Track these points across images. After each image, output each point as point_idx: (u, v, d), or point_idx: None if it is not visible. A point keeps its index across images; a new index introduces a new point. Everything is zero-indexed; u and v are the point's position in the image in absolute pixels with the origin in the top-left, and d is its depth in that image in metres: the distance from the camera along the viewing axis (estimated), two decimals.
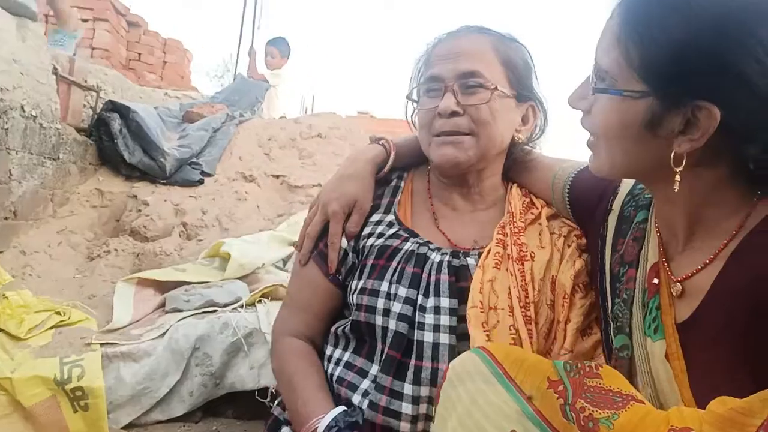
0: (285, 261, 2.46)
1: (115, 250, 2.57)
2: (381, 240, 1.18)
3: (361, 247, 1.20)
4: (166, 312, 2.07)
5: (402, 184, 1.29)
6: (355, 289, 1.15)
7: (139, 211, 2.80)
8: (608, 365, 0.97)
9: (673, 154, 0.81)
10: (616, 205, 1.07)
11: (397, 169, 1.31)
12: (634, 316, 0.94)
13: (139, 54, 7.96)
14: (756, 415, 0.65)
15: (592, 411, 0.77)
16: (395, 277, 1.11)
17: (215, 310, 2.03)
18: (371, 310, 1.11)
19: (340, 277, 1.22)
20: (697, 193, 0.86)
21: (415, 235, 1.19)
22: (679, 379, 0.85)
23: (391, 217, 1.23)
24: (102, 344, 1.86)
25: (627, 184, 1.09)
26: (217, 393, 1.96)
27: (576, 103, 0.93)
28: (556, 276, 1.12)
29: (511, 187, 1.28)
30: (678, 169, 0.81)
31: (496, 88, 1.15)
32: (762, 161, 0.82)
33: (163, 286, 2.21)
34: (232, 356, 1.96)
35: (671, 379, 0.86)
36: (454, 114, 1.15)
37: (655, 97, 0.80)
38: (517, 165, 1.29)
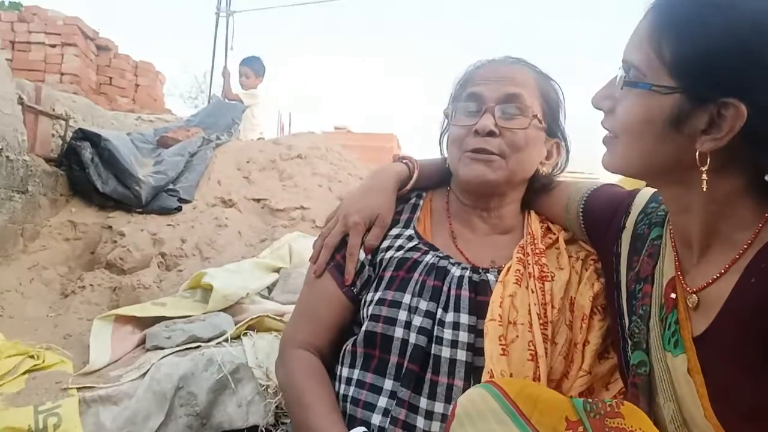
0: (270, 289, 2.40)
1: (91, 285, 2.47)
2: (401, 252, 1.19)
3: (379, 260, 1.20)
4: (147, 350, 1.99)
5: (421, 203, 1.31)
6: (372, 301, 1.15)
7: (115, 242, 2.71)
8: (625, 384, 0.97)
9: (697, 153, 0.81)
10: (629, 223, 1.07)
11: (417, 189, 1.33)
12: (651, 331, 0.94)
13: (110, 78, 7.85)
14: None
15: None
16: (417, 290, 1.12)
17: (199, 346, 1.95)
18: (391, 321, 1.10)
19: (354, 290, 1.21)
20: (714, 201, 0.85)
21: (435, 249, 1.20)
22: (700, 393, 0.84)
23: (410, 232, 1.24)
24: (79, 388, 1.78)
25: (639, 202, 1.09)
26: None
27: (600, 103, 0.93)
28: (575, 297, 1.12)
29: (529, 213, 1.30)
30: (704, 168, 0.81)
31: (535, 116, 1.19)
32: None
33: (142, 323, 2.12)
34: (218, 394, 1.88)
35: (694, 393, 0.84)
36: (490, 134, 1.17)
37: (684, 94, 0.80)
38: (536, 194, 1.31)
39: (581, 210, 1.18)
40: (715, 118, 0.79)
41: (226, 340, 1.98)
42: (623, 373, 1.02)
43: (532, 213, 1.30)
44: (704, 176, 0.82)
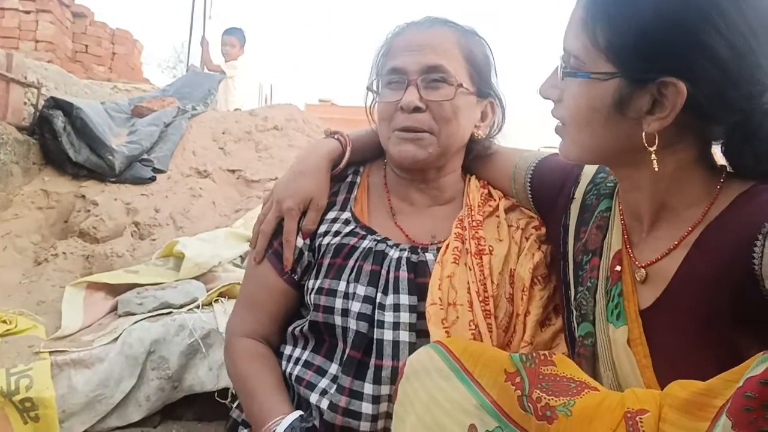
0: (243, 258, 2.42)
1: (64, 253, 2.47)
2: (337, 238, 1.16)
3: (317, 245, 1.18)
4: (119, 316, 2.02)
5: (358, 180, 1.27)
6: (312, 289, 1.13)
7: (88, 211, 2.71)
8: (571, 354, 0.99)
9: (644, 134, 0.82)
10: (578, 194, 1.08)
11: (353, 164, 1.28)
12: (597, 303, 0.95)
13: (86, 46, 7.68)
14: (718, 395, 0.66)
15: (548, 400, 0.78)
16: (353, 276, 1.10)
17: (170, 312, 1.99)
18: (329, 310, 1.09)
19: (295, 276, 1.19)
20: (663, 178, 0.87)
21: (373, 233, 1.17)
22: (641, 365, 0.86)
23: (347, 215, 1.20)
24: (51, 352, 1.81)
25: (588, 173, 1.09)
26: (176, 396, 1.92)
27: (547, 93, 0.93)
28: (515, 269, 1.11)
29: (470, 179, 1.27)
30: (652, 149, 0.82)
31: (461, 85, 1.14)
32: (729, 145, 0.84)
33: (114, 290, 2.15)
34: (190, 358, 1.92)
35: (633, 364, 0.87)
36: (416, 110, 1.12)
37: (623, 77, 0.81)
38: (476, 159, 1.28)
39: (529, 180, 1.17)
40: (657, 98, 0.80)
41: (197, 307, 2.01)
42: (566, 340, 1.04)
43: (473, 180, 1.26)
44: (653, 156, 0.83)
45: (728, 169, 0.87)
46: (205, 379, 1.91)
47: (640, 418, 0.73)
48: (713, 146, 0.89)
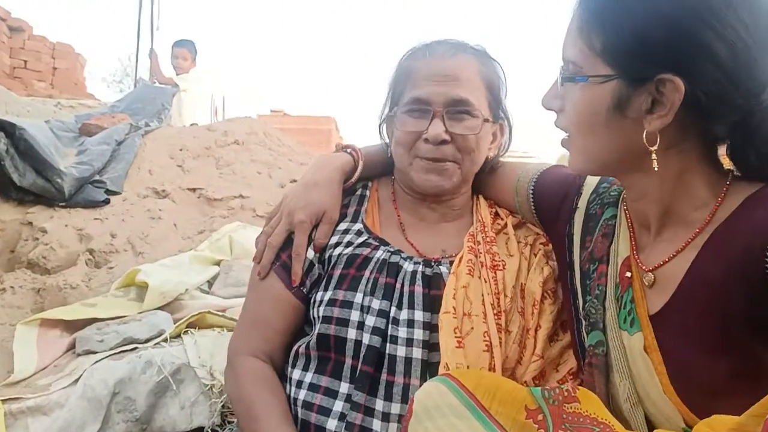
0: (210, 283, 2.30)
1: (12, 287, 2.29)
2: (350, 249, 1.15)
3: (327, 257, 1.17)
4: (78, 355, 1.86)
5: (367, 193, 1.28)
6: (322, 301, 1.11)
7: (37, 239, 2.53)
8: (583, 365, 0.99)
9: (645, 132, 0.83)
10: (582, 203, 1.09)
11: (362, 179, 1.29)
12: (607, 311, 0.95)
13: (25, 61, 7.39)
14: None
15: None
16: (369, 288, 1.09)
17: (135, 348, 1.84)
18: (343, 322, 1.07)
19: (304, 290, 1.17)
20: (668, 181, 0.87)
21: (386, 243, 1.17)
22: (658, 371, 0.85)
23: (359, 226, 1.20)
24: (4, 400, 1.65)
25: (591, 183, 1.10)
26: None
27: (549, 103, 0.95)
28: (525, 284, 1.14)
29: (478, 198, 1.29)
30: (653, 148, 0.83)
31: (487, 120, 1.18)
32: (733, 145, 0.85)
33: (71, 326, 1.98)
34: (159, 397, 1.79)
35: (652, 371, 0.86)
36: (442, 141, 1.15)
37: (621, 78, 0.83)
38: (480, 175, 1.30)
39: (531, 192, 1.19)
40: (656, 96, 0.81)
41: (165, 340, 1.87)
42: (576, 353, 1.04)
43: (481, 199, 1.29)
44: (654, 156, 0.83)
45: (735, 173, 0.88)
46: (177, 419, 1.78)
47: None
48: (720, 150, 0.89)
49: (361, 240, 1.17)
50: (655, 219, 0.91)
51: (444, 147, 1.15)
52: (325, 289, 1.12)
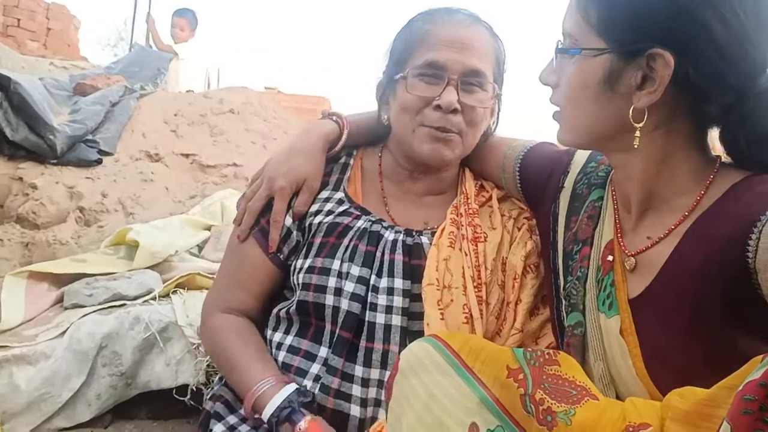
0: (200, 247, 2.31)
1: (0, 240, 2.28)
2: (330, 217, 1.14)
3: (307, 224, 1.16)
4: (65, 308, 1.86)
5: (351, 162, 1.26)
6: (301, 268, 1.11)
7: (27, 195, 2.52)
8: (560, 343, 1.00)
9: (632, 108, 0.83)
10: (568, 183, 1.08)
11: (346, 147, 1.26)
12: (587, 293, 0.95)
13: (18, 20, 7.23)
14: (721, 405, 0.64)
15: (551, 404, 0.75)
16: (347, 255, 1.09)
17: (124, 304, 1.85)
18: (321, 289, 1.07)
19: (281, 256, 1.17)
20: (653, 162, 0.87)
21: (367, 213, 1.16)
22: (632, 354, 0.87)
23: (340, 194, 1.19)
24: None
25: (578, 161, 1.09)
26: (129, 394, 1.80)
27: (546, 78, 0.94)
28: (507, 257, 1.13)
29: (464, 171, 1.28)
30: (638, 125, 0.83)
31: (497, 95, 1.17)
32: (724, 129, 0.84)
33: (59, 280, 1.98)
34: (145, 353, 1.80)
35: (626, 354, 0.87)
36: (453, 111, 1.12)
37: (613, 52, 0.83)
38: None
39: (518, 168, 1.18)
40: (647, 72, 0.81)
41: (153, 298, 1.88)
42: (555, 330, 1.04)
43: (467, 171, 1.28)
44: (638, 133, 0.83)
45: (723, 160, 0.87)
46: (162, 376, 1.79)
47: None
48: (713, 142, 0.89)
49: (342, 209, 1.16)
50: (637, 203, 0.91)
51: (453, 116, 1.12)
52: (305, 257, 1.12)
